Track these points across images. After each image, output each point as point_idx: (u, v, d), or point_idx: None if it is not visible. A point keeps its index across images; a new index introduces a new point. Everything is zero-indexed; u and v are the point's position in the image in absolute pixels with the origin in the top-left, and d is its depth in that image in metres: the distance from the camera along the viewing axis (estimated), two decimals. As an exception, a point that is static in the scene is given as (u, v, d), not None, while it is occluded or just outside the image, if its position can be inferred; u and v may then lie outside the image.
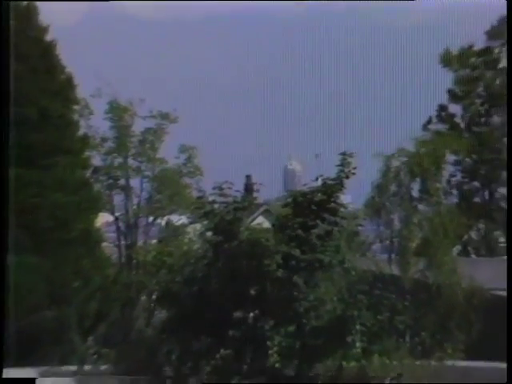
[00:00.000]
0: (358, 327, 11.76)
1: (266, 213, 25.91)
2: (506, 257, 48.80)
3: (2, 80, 9.75)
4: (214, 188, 13.25)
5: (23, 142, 30.28)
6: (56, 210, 30.41)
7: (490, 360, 14.13)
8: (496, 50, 50.07)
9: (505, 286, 28.06)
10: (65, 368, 13.25)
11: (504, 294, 26.81)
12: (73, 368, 13.04)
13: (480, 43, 50.44)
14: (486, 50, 50.07)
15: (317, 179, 12.50)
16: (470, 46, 50.25)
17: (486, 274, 25.84)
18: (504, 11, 53.24)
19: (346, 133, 56.00)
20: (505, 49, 50.82)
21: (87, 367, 12.82)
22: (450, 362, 12.49)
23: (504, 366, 14.16)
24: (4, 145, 9.98)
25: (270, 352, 11.62)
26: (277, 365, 11.56)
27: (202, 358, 11.60)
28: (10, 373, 14.39)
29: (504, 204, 51.26)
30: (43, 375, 13.48)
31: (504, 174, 50.67)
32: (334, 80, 64.79)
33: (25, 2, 32.54)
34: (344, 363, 11.66)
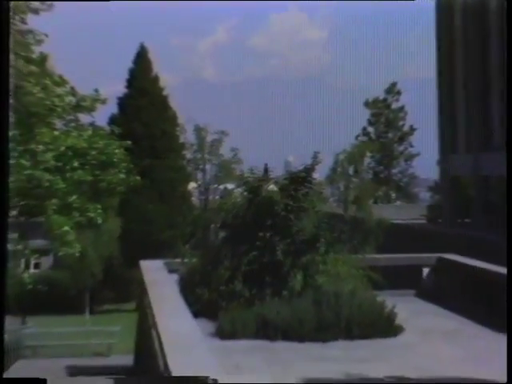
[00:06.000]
0: (322, 240, 11.59)
1: (275, 183, 25.67)
2: (396, 203, 48.70)
3: (1, 80, 6.25)
4: (248, 170, 12.99)
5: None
6: (169, 181, 30.91)
7: (388, 253, 13.85)
8: (389, 99, 50.24)
9: (397, 217, 27.82)
10: (176, 261, 12.91)
11: (396, 221, 26.59)
12: (179, 261, 12.72)
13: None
14: (385, 100, 50.34)
15: (302, 166, 12.26)
16: (377, 97, 50.87)
17: (386, 213, 25.64)
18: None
19: (318, 141, 56.15)
20: (395, 98, 50.75)
21: (185, 260, 12.50)
22: (368, 255, 12.26)
23: (394, 256, 13.83)
24: (4, 144, 6.84)
25: (277, 252, 11.43)
26: (281, 258, 11.37)
27: (242, 256, 11.43)
28: (146, 264, 13.00)
29: (395, 178, 51.22)
30: (166, 264, 13.01)
31: (394, 163, 50.65)
32: (317, 113, 64.48)
33: (153, 74, 32.40)
34: (316, 257, 11.49)
